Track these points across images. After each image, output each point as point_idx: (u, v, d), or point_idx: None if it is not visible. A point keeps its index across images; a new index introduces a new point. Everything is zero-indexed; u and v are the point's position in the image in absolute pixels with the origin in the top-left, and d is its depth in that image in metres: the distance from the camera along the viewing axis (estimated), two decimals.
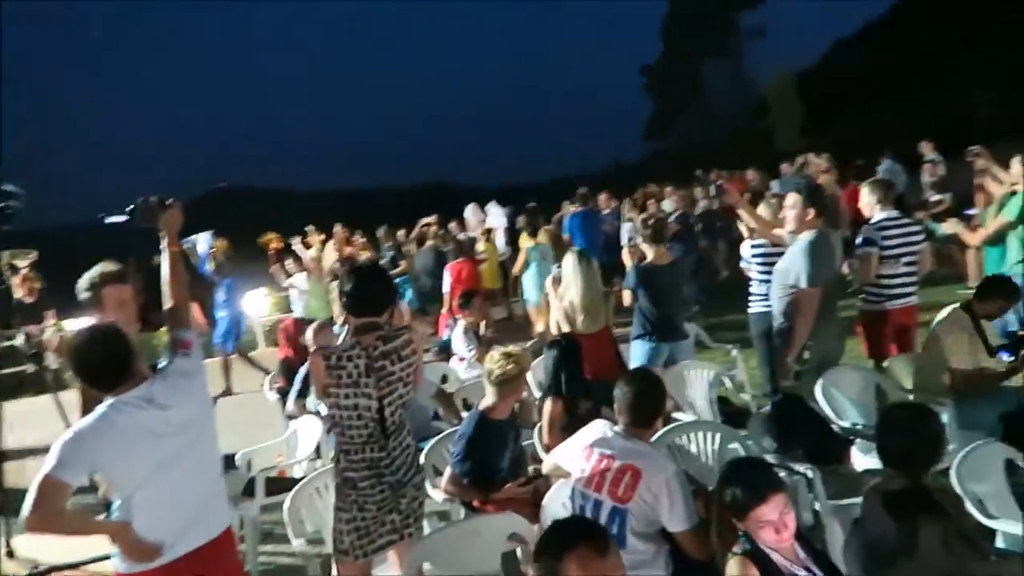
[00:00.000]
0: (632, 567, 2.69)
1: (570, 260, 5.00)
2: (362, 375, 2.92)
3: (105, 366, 2.50)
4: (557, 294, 5.07)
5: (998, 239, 6.06)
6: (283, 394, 6.03)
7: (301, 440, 4.84)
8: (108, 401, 2.50)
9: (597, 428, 3.09)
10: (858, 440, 4.13)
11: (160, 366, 2.70)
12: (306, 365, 5.17)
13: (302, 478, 4.36)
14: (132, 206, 2.95)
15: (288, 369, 6.09)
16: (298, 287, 9.26)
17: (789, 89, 28.37)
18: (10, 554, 4.15)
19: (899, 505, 2.49)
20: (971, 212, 8.61)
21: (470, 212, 12.24)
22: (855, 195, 6.28)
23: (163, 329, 2.91)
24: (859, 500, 3.48)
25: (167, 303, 2.86)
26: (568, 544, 1.97)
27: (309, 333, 5.53)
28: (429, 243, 10.58)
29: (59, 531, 2.47)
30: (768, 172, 13.66)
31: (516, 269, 8.27)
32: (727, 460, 2.95)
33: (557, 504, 3.16)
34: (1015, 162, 6.37)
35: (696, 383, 5.02)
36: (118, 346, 2.52)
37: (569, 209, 11.10)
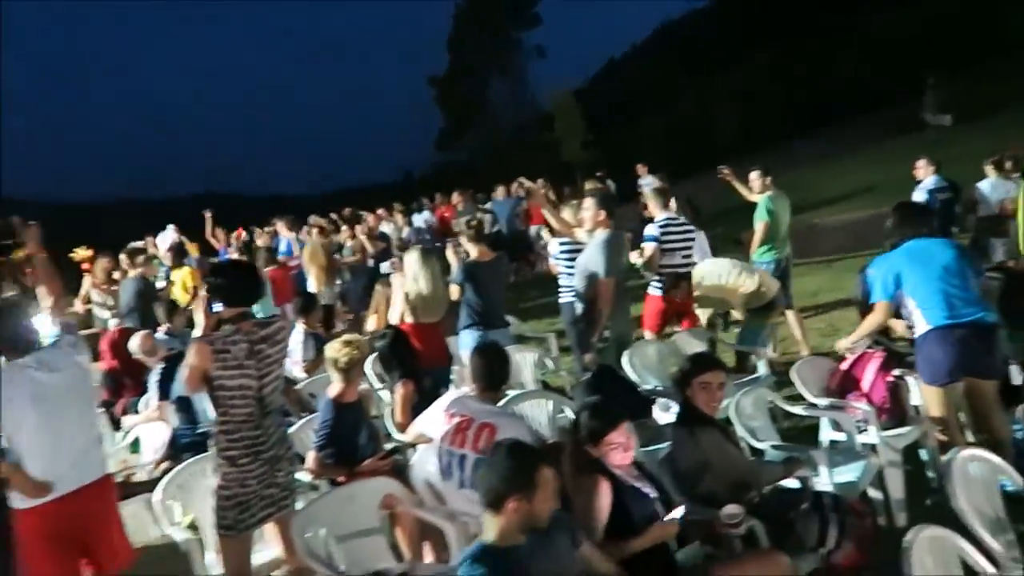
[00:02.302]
0: None
1: (414, 256, 5.39)
2: (245, 357, 3.16)
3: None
4: (396, 288, 5.46)
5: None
6: (107, 406, 5.89)
7: (145, 443, 4.83)
8: (7, 363, 2.97)
9: (454, 395, 3.57)
10: (658, 400, 4.96)
11: (52, 338, 3.16)
12: (156, 371, 5.15)
13: (148, 481, 4.42)
14: None
15: (113, 380, 5.94)
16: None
17: (571, 104, 30.46)
18: None
19: (684, 422, 3.35)
20: None
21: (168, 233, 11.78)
22: None
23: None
24: (662, 446, 4.28)
25: (49, 297, 3.25)
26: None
27: (135, 343, 5.51)
28: (135, 272, 8.15)
29: None
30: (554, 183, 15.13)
31: None
32: (579, 405, 3.56)
33: (424, 464, 3.59)
34: (753, 175, 7.60)
35: (522, 365, 5.64)
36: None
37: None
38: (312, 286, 8.77)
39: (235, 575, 3.29)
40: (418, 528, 3.64)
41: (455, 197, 13.94)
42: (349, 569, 3.18)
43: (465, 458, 3.34)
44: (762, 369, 5.56)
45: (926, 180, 8.09)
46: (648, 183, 5.59)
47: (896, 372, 4.38)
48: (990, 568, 2.37)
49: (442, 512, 3.43)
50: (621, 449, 2.89)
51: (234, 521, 3.23)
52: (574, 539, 2.62)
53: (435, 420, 3.55)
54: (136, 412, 5.46)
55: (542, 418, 4.45)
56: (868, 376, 4.37)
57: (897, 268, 3.94)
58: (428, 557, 3.63)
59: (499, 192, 13.94)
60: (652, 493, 3.03)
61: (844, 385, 4.46)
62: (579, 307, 5.31)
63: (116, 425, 5.57)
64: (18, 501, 2.98)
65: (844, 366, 4.53)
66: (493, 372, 3.52)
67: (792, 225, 7.31)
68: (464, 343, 5.64)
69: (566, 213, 5.93)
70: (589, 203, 5.27)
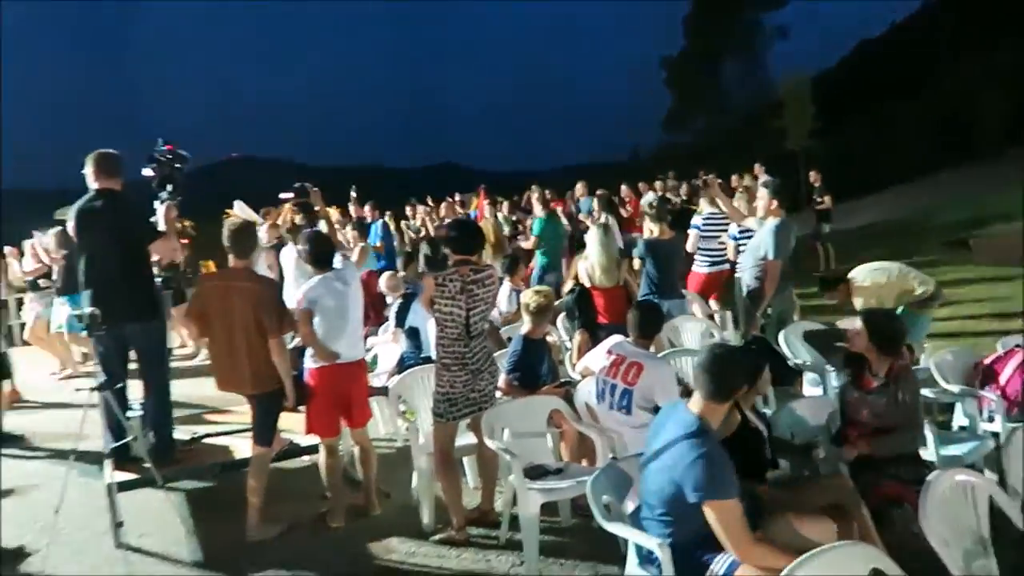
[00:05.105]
0: (636, 427, 4.11)
1: (594, 230, 6.39)
2: (457, 293, 4.25)
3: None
4: (582, 256, 6.50)
5: None
6: None
7: (382, 358, 6.27)
8: (318, 276, 4.60)
9: (614, 339, 4.51)
10: (808, 374, 5.53)
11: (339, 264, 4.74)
12: (395, 304, 6.62)
13: (381, 388, 5.77)
14: (297, 186, 5.59)
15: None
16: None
17: (803, 90, 29.34)
18: None
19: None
20: None
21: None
22: None
23: None
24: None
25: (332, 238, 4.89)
26: None
27: (384, 280, 7.01)
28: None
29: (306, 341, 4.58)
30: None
31: None
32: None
33: (585, 391, 4.58)
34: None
35: (691, 333, 6.42)
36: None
37: None
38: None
39: (440, 451, 4.45)
40: (578, 443, 4.63)
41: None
42: (520, 458, 4.22)
43: (616, 387, 4.27)
44: (924, 360, 5.88)
45: None
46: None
47: None
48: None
49: (595, 427, 4.40)
50: (756, 391, 3.58)
51: (444, 411, 4.38)
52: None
53: (598, 357, 4.52)
54: (377, 336, 6.96)
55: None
56: (1007, 371, 4.67)
57: None
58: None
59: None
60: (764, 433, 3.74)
61: (985, 378, 4.79)
62: (745, 285, 5.97)
63: None
64: (311, 362, 4.60)
65: (988, 360, 4.84)
66: (645, 323, 4.41)
67: None
68: None
69: (737, 201, 6.58)
70: (763, 192, 5.90)
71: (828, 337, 4.64)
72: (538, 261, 9.55)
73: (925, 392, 4.75)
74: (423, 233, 12.14)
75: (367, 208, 12.29)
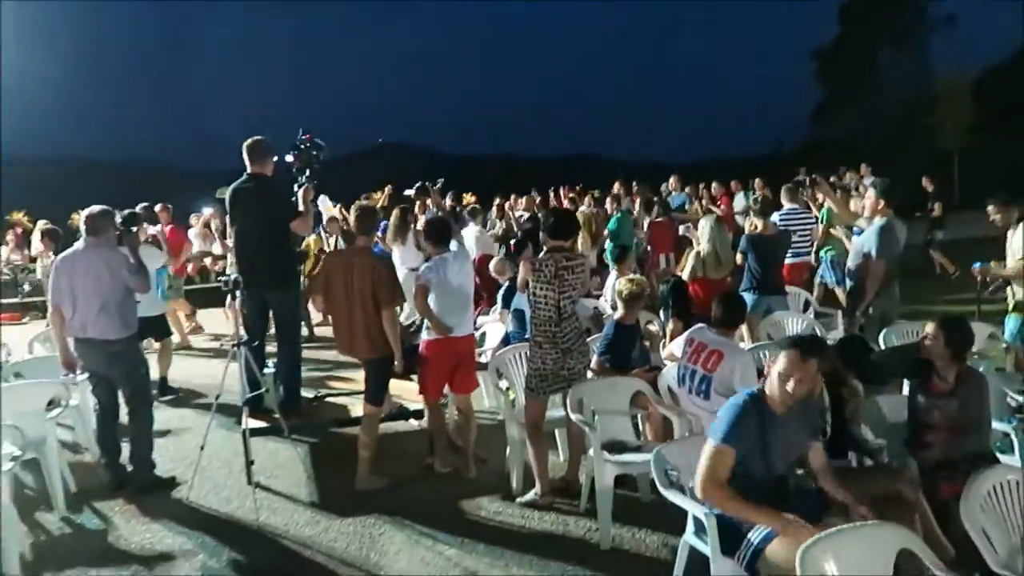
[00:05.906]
0: (714, 412, 4.30)
1: (708, 222, 6.55)
2: (551, 277, 4.60)
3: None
4: (694, 248, 6.68)
5: None
6: None
7: (488, 336, 6.72)
8: (435, 257, 5.13)
9: (699, 327, 4.72)
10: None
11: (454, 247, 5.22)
12: (503, 287, 7.08)
13: (485, 364, 6.19)
14: (419, 185, 6.98)
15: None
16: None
17: (962, 85, 27.43)
18: None
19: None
20: None
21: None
22: None
23: None
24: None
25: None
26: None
27: (492, 265, 7.47)
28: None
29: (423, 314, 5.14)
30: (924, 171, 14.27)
31: None
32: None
33: (669, 375, 4.81)
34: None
35: (791, 329, 6.45)
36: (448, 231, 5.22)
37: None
38: (581, 247, 10.61)
39: (532, 422, 4.80)
40: (663, 425, 4.87)
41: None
42: (600, 434, 4.52)
43: (696, 372, 4.49)
44: None
45: None
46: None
47: None
48: None
49: (675, 410, 4.64)
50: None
51: (535, 386, 4.74)
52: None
53: (682, 343, 4.74)
54: (487, 316, 7.44)
55: None
56: None
57: None
58: None
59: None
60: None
61: None
62: (848, 283, 5.97)
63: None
64: (425, 334, 5.16)
65: None
66: (727, 313, 4.60)
67: None
68: None
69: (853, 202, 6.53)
70: (871, 193, 5.87)
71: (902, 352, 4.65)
72: (610, 254, 10.00)
73: (1020, 397, 4.66)
74: (501, 226, 12.51)
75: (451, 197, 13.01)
